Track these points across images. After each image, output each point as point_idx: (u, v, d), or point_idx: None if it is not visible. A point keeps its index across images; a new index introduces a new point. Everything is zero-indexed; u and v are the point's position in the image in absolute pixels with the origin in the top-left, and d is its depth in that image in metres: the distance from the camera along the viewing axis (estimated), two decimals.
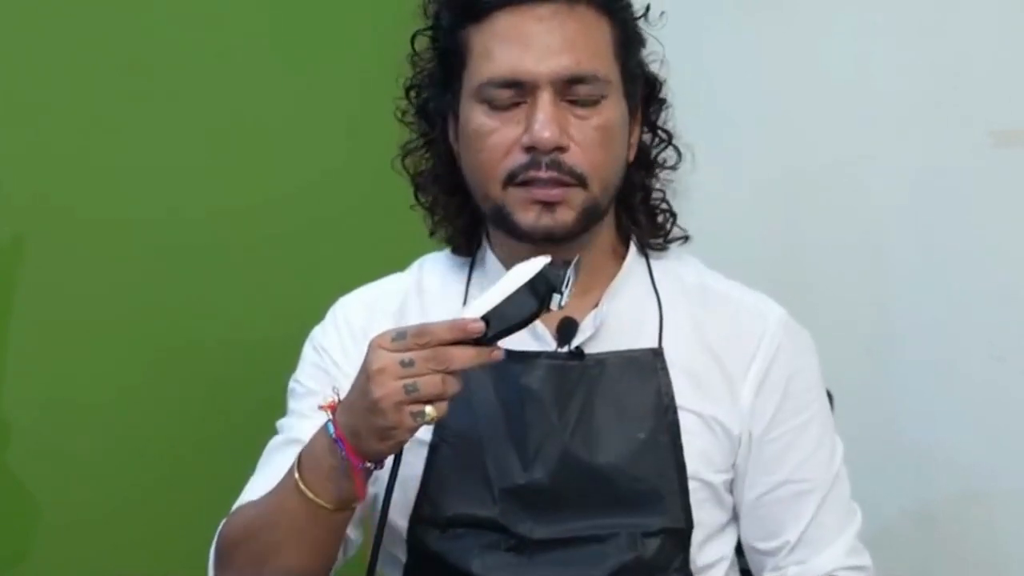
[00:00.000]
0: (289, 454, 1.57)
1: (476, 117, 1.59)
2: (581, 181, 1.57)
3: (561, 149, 1.56)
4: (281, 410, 1.70)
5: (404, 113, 1.71)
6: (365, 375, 1.42)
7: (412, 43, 1.69)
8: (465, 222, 1.69)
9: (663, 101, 1.72)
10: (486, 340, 1.42)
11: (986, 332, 2.15)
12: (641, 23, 1.67)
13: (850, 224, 2.27)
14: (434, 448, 1.61)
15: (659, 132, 1.72)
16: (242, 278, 2.25)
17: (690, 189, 2.21)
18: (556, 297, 1.43)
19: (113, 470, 2.14)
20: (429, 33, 1.67)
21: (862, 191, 2.25)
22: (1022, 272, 2.11)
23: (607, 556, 1.58)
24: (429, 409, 1.41)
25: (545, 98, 1.56)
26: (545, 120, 1.55)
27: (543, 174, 1.56)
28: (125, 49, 2.15)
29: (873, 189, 2.24)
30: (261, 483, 1.61)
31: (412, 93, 1.70)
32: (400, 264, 1.75)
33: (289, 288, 2.25)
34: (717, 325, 1.66)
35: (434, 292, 1.69)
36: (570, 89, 1.57)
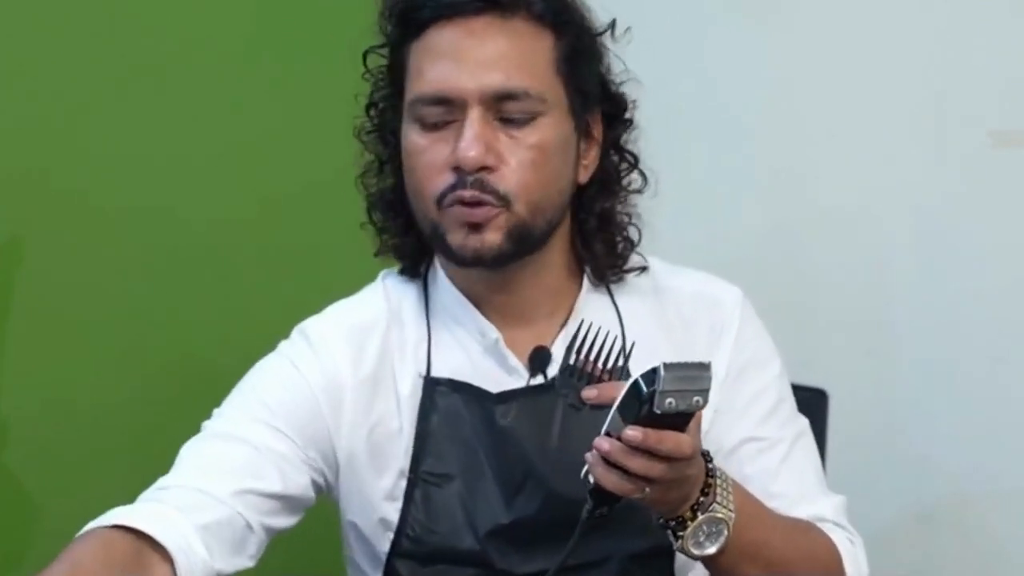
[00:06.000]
0: (225, 449, 1.53)
1: (410, 136, 1.55)
2: (504, 202, 1.51)
3: (488, 169, 1.51)
4: None
5: (362, 132, 1.65)
6: None
7: (364, 61, 1.63)
8: (412, 243, 1.63)
9: (629, 122, 1.63)
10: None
11: (986, 332, 2.15)
12: (611, 42, 1.60)
13: (850, 225, 2.26)
14: (411, 486, 1.57)
15: (626, 155, 1.63)
16: (242, 280, 2.25)
17: (691, 191, 2.22)
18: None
19: (113, 471, 2.14)
20: (384, 51, 1.61)
21: (862, 191, 2.25)
22: (1022, 272, 2.11)
23: None
24: None
25: (474, 116, 1.50)
26: (471, 139, 1.50)
27: (466, 193, 1.50)
28: (120, 50, 2.15)
29: (873, 189, 2.24)
30: (187, 469, 1.56)
31: (372, 111, 1.64)
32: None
33: (289, 291, 2.25)
34: (680, 324, 1.62)
35: (410, 323, 1.63)
36: (501, 106, 1.51)
